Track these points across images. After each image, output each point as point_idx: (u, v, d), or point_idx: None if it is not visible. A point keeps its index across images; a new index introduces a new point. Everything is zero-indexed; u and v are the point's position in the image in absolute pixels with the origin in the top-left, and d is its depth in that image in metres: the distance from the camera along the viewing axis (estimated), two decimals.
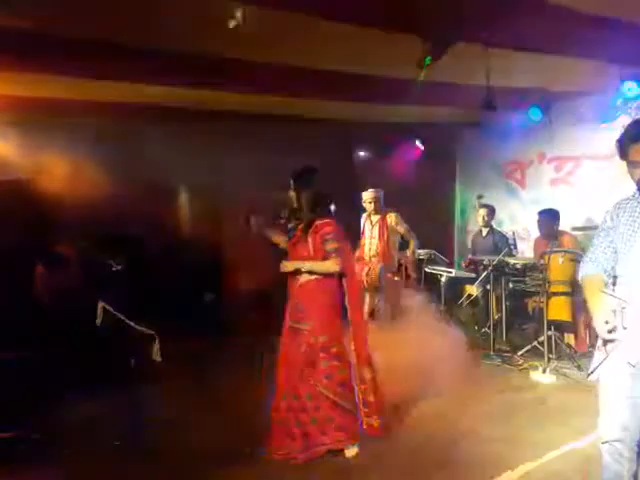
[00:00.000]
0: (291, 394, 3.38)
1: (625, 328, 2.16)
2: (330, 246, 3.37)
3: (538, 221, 5.90)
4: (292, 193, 3.48)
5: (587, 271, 2.44)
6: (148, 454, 3.42)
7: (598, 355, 2.30)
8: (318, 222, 3.40)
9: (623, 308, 2.16)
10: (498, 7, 3.65)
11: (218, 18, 3.50)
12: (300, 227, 3.49)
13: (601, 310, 2.22)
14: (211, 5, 3.43)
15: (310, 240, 3.41)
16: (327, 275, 3.41)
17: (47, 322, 4.50)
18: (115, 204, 5.41)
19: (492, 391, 4.67)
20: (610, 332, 2.17)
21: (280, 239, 3.63)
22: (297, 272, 3.42)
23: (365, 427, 3.51)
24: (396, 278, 5.58)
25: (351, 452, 3.39)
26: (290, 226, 3.58)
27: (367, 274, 5.45)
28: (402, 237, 5.86)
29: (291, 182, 3.50)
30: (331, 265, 3.37)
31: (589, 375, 2.31)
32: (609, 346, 2.22)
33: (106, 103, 5.49)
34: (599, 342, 2.30)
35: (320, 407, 3.34)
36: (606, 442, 2.34)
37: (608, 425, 2.34)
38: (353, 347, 3.53)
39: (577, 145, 6.77)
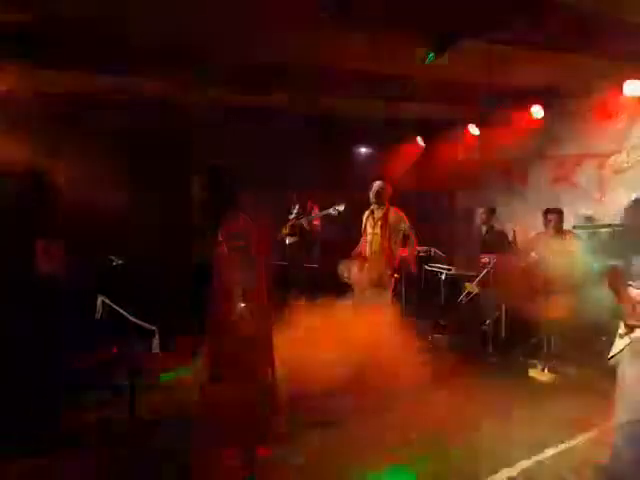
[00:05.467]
0: None
1: None
2: (234, 243, 2.92)
3: (547, 219, 5.83)
4: (201, 193, 3.03)
5: (610, 263, 2.58)
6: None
7: (619, 342, 2.42)
8: (224, 221, 2.98)
9: None
10: (501, 5, 3.64)
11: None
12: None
13: (627, 299, 2.36)
14: None
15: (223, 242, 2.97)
16: None
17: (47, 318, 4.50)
18: (118, 201, 5.42)
19: (490, 388, 4.69)
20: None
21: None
22: None
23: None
24: (396, 275, 5.58)
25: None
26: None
27: (368, 271, 5.44)
28: (403, 235, 5.85)
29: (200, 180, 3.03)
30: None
31: (609, 359, 2.46)
32: (632, 334, 2.33)
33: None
34: (621, 330, 2.43)
35: None
36: (623, 424, 2.40)
37: (626, 407, 2.41)
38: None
39: (578, 143, 6.76)
